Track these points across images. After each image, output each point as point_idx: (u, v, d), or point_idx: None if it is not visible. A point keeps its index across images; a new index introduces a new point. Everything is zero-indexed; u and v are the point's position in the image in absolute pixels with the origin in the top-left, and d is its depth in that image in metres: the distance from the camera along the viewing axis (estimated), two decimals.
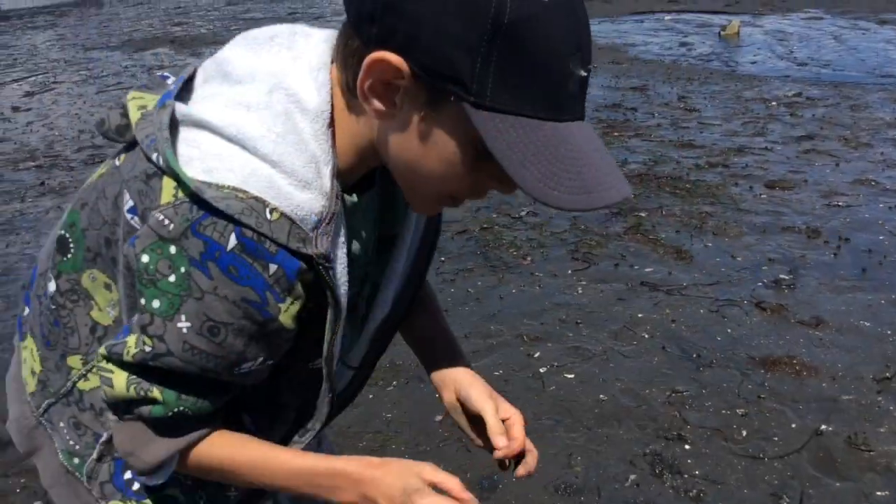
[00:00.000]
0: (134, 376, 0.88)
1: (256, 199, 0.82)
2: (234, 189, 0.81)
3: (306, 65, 0.89)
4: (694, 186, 4.96)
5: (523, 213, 4.74)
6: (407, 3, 0.76)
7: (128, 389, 0.88)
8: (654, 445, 2.66)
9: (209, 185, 0.81)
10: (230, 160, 0.83)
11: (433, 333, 1.26)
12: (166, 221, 0.82)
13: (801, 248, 4.02)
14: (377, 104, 0.83)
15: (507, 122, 0.77)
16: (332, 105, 0.89)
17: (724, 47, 9.45)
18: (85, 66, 11.82)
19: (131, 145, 0.94)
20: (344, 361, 1.19)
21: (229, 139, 0.83)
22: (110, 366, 0.90)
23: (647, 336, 3.27)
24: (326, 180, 0.87)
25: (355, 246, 1.01)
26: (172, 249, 0.82)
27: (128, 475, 1.05)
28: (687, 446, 2.65)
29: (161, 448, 0.92)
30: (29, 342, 1.11)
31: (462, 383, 1.15)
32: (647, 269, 3.87)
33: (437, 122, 0.82)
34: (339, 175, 0.90)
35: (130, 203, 0.89)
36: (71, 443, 1.08)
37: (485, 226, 4.60)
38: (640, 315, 3.44)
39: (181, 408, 0.89)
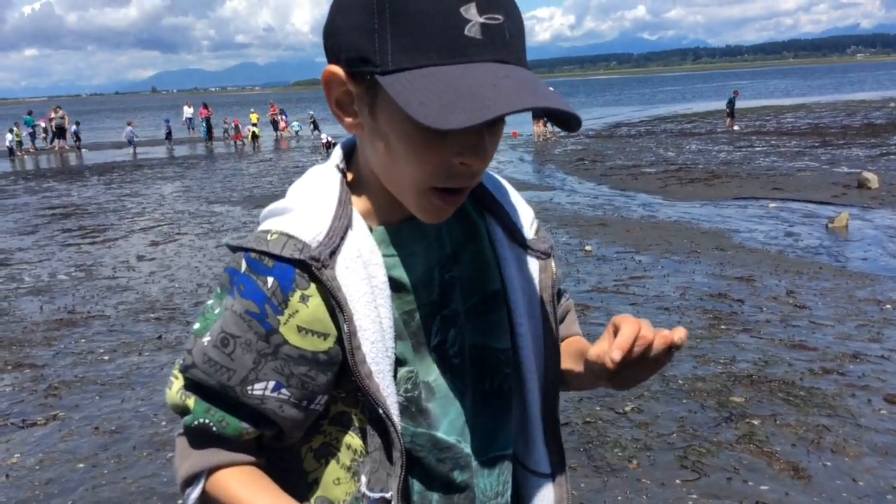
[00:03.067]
0: (182, 386, 1.01)
1: (263, 230, 0.99)
2: (253, 233, 1.00)
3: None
4: (808, 395, 4.77)
5: (628, 409, 4.65)
6: (331, 21, 0.95)
7: (176, 393, 1.01)
8: None
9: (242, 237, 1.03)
10: (264, 223, 1.03)
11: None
12: None
13: None
14: (347, 119, 0.98)
15: (409, 77, 0.86)
16: (357, 160, 1.06)
17: (832, 240, 9.33)
18: (207, 220, 12.59)
19: None
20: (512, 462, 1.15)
21: (271, 215, 1.04)
22: (176, 372, 1.03)
23: None
24: (331, 205, 0.99)
25: (400, 273, 1.03)
26: (219, 289, 1.01)
27: None
28: None
29: (191, 464, 1.01)
30: None
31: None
32: (763, 487, 3.69)
33: (380, 112, 0.92)
34: (374, 209, 1.03)
35: None
36: None
37: (588, 419, 4.52)
38: None
39: (206, 420, 0.99)
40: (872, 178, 12.78)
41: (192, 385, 1.00)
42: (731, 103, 27.64)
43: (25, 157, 30.26)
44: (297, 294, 0.95)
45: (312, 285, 0.96)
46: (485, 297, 1.11)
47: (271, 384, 0.97)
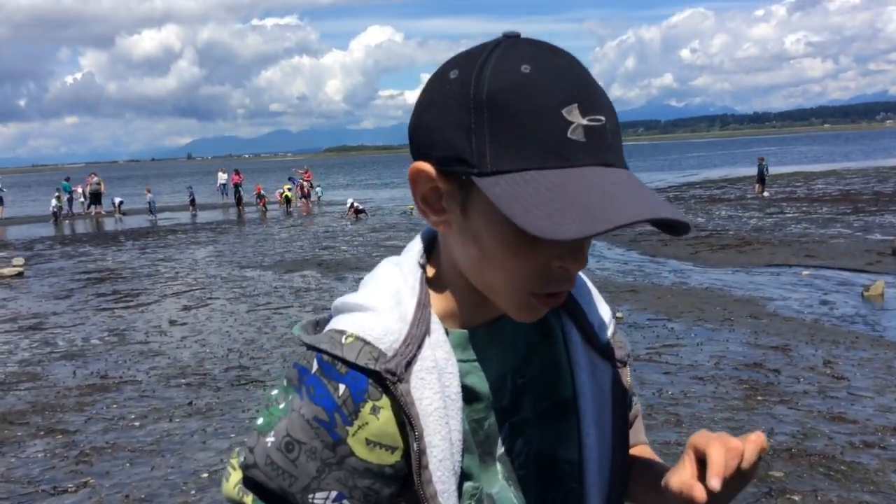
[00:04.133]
0: (240, 480, 0.96)
1: (338, 330, 0.94)
2: (328, 331, 0.95)
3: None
4: (850, 469, 4.64)
5: None
6: (420, 116, 0.91)
7: (233, 487, 0.96)
8: None
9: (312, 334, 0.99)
10: (338, 318, 0.97)
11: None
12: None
13: None
14: (434, 217, 0.93)
15: (510, 180, 0.82)
16: (438, 256, 1.01)
17: (868, 309, 9.18)
18: (239, 284, 12.70)
19: None
20: None
21: (346, 309, 0.99)
22: (234, 464, 0.98)
23: None
24: (410, 309, 0.94)
25: (474, 380, 0.98)
26: (285, 382, 0.96)
27: None
28: None
29: None
30: None
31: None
32: None
33: (474, 212, 0.89)
34: (455, 311, 0.98)
35: None
36: None
37: None
38: None
39: None
40: None
41: (250, 483, 0.96)
42: (761, 171, 27.61)
43: (63, 222, 30.96)
44: (369, 405, 0.91)
45: (385, 397, 0.92)
46: (555, 402, 1.06)
47: (333, 494, 0.93)
